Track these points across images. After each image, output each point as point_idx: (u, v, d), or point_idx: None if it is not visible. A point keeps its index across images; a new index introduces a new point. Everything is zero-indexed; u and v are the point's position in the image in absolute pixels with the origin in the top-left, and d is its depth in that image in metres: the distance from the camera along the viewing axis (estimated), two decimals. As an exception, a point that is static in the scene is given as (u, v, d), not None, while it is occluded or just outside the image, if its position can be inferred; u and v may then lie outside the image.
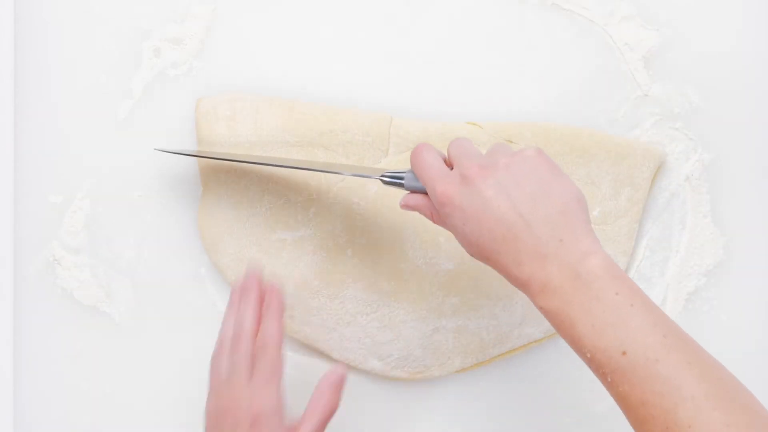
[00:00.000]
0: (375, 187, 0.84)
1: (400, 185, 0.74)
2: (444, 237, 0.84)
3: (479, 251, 0.67)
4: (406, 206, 0.74)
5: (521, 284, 0.66)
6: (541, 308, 0.65)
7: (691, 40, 0.88)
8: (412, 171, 0.73)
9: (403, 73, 0.86)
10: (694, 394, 0.58)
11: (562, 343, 0.88)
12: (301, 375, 0.86)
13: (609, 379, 0.61)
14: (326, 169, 0.80)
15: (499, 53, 0.87)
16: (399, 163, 0.84)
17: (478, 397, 0.88)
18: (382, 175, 0.75)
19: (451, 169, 0.70)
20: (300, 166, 0.80)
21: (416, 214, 0.83)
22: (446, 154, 0.72)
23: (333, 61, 0.86)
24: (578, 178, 0.85)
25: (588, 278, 0.63)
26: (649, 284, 0.88)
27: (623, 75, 0.88)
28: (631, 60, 0.87)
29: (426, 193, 0.72)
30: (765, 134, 0.89)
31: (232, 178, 0.84)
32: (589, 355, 0.62)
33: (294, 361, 0.87)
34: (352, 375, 0.87)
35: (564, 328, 0.64)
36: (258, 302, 0.76)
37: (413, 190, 0.74)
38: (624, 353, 0.60)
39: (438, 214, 0.71)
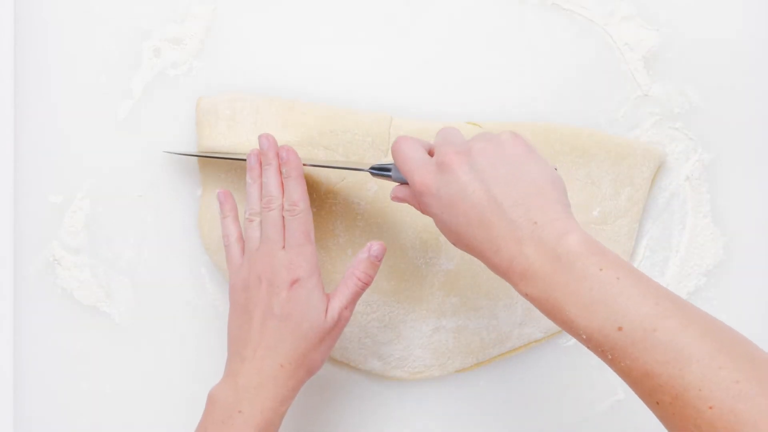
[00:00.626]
0: (375, 186, 0.84)
1: (388, 177, 0.76)
2: (444, 237, 0.84)
3: (458, 239, 0.67)
4: (395, 198, 0.76)
5: (502, 272, 0.65)
6: (526, 295, 0.63)
7: (691, 40, 0.88)
8: None
9: (403, 74, 0.86)
10: (699, 356, 0.56)
11: (562, 343, 0.88)
12: (301, 375, 0.87)
13: (609, 357, 0.59)
14: (319, 164, 0.80)
15: (499, 53, 0.87)
16: None
17: (478, 397, 0.88)
18: (371, 168, 0.77)
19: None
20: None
21: (417, 213, 0.83)
22: (429, 143, 0.73)
23: (333, 62, 0.86)
24: (578, 178, 0.85)
25: (568, 258, 0.61)
26: (649, 284, 0.88)
27: (623, 75, 0.88)
28: (631, 60, 0.87)
29: None
30: (765, 134, 0.89)
31: (232, 178, 0.84)
32: (584, 336, 0.60)
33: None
34: (352, 375, 0.87)
35: (554, 314, 0.62)
36: (279, 170, 0.78)
37: (400, 182, 0.75)
38: (620, 328, 0.58)
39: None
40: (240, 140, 0.83)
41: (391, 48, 0.87)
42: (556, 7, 0.87)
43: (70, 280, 0.86)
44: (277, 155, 0.78)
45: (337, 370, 0.87)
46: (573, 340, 0.87)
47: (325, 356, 0.76)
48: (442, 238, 0.84)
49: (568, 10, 0.87)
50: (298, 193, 0.77)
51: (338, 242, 0.84)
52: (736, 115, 0.88)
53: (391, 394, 0.88)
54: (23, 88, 0.86)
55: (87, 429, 0.86)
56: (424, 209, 0.70)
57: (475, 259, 0.84)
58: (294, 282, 0.75)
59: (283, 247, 0.76)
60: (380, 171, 0.76)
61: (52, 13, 0.86)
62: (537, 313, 0.86)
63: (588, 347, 0.61)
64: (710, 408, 0.55)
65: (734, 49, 0.88)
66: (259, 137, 0.79)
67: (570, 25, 0.87)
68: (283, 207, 0.77)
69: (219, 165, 0.84)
